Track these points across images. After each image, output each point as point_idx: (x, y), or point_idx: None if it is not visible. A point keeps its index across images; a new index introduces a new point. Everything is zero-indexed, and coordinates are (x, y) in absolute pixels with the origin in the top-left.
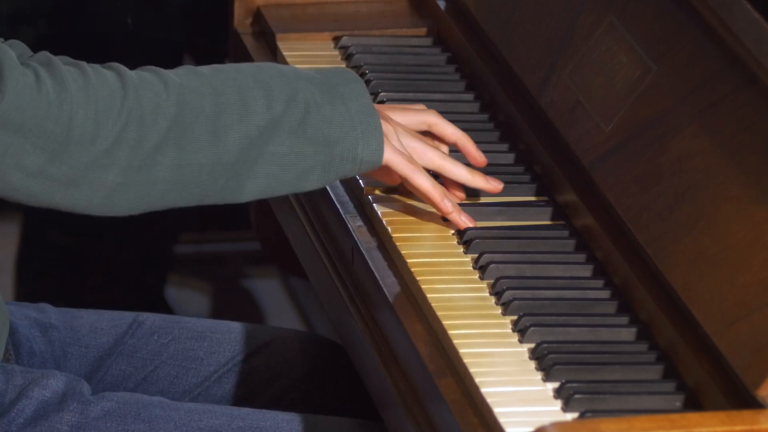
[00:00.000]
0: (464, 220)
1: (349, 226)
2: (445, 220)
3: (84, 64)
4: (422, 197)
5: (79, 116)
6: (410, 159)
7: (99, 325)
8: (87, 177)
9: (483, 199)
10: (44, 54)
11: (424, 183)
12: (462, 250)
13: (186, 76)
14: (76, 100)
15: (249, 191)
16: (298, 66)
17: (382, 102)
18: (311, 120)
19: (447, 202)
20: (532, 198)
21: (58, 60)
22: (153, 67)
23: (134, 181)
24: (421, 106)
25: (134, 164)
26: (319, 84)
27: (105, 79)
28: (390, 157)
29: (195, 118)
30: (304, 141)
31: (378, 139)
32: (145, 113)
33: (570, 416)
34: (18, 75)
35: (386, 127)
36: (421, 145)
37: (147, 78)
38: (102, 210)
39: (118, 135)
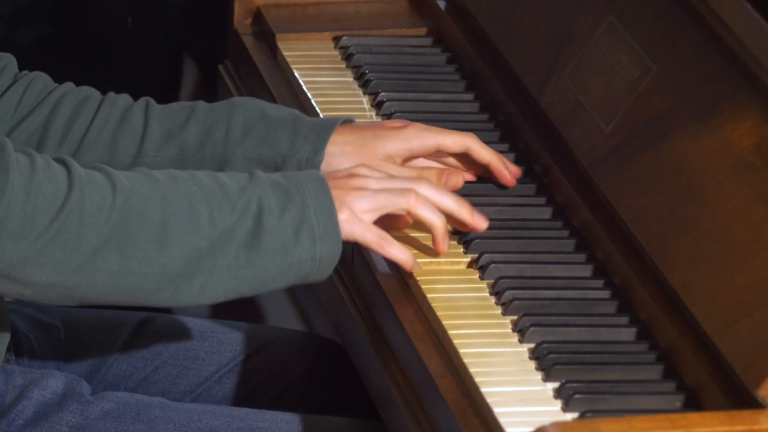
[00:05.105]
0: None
1: None
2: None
3: (36, 155)
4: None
5: (15, 210)
6: (379, 234)
7: (100, 324)
8: (19, 273)
9: (483, 200)
10: (1, 138)
11: (397, 256)
12: (462, 250)
13: (138, 180)
14: (16, 193)
15: (207, 299)
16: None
17: (382, 102)
18: (265, 230)
19: (444, 244)
20: (532, 198)
21: (11, 147)
22: (106, 168)
23: (71, 282)
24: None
25: (71, 265)
26: (277, 188)
27: (52, 174)
28: (358, 234)
29: (140, 225)
30: (259, 253)
31: (336, 237)
32: (85, 215)
33: (570, 416)
34: None
35: (357, 200)
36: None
37: (96, 179)
38: (36, 301)
39: (55, 234)
